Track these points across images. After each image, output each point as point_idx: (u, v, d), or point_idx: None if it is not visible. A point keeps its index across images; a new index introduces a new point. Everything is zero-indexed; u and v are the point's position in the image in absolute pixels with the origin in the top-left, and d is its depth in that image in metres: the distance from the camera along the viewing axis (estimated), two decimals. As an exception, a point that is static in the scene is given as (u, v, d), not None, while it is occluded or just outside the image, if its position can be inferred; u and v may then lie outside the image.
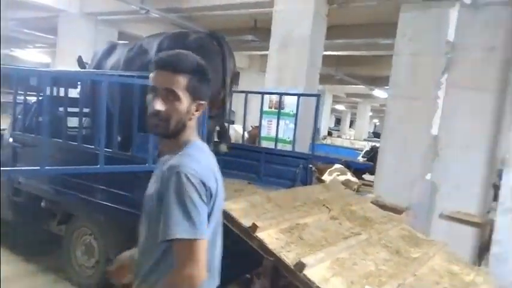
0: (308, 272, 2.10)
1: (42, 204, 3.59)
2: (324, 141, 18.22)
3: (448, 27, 4.56)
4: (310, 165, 3.91)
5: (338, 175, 10.13)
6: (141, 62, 3.15)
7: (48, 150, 2.64)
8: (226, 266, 1.48)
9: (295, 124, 4.17)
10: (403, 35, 4.84)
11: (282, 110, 5.34)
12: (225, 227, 1.51)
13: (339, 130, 27.91)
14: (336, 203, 3.29)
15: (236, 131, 9.13)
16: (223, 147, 3.16)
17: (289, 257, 2.17)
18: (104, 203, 3.05)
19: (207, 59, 2.89)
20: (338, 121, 40.07)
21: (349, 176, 9.46)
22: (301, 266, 2.10)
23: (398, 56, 4.91)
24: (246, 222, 2.34)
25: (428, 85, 4.66)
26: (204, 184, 1.23)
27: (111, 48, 3.58)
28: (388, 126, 5.05)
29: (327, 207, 3.08)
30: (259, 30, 7.68)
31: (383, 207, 5.06)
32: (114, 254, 3.12)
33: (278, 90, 4.95)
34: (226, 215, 2.44)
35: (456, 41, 4.51)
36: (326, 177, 10.12)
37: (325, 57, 10.81)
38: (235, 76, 3.17)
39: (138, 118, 2.72)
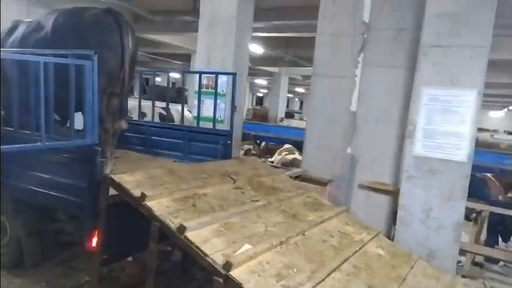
0: (189, 234, 2.28)
1: None
2: (281, 123, 18.59)
3: (363, 9, 4.81)
4: (229, 141, 4.08)
5: (286, 154, 10.47)
6: (35, 38, 3.16)
7: None
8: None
9: (215, 102, 4.31)
10: (323, 16, 5.06)
11: (210, 90, 5.48)
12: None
13: (301, 113, 28.46)
14: (244, 175, 3.49)
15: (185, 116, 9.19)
16: (124, 124, 3.25)
17: (174, 222, 2.34)
18: (14, 183, 3.09)
19: (103, 35, 2.98)
20: (302, 104, 40.75)
21: (296, 155, 9.80)
22: (182, 229, 2.28)
23: (320, 36, 5.13)
24: (137, 193, 2.48)
25: (348, 64, 4.92)
26: None
27: (14, 27, 3.54)
28: (312, 105, 5.30)
29: (232, 177, 3.27)
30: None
31: (309, 180, 5.38)
32: (26, 233, 3.22)
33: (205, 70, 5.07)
34: (121, 188, 2.58)
35: (370, 22, 4.77)
36: (276, 157, 10.44)
37: (274, 39, 11.03)
38: (135, 55, 3.22)
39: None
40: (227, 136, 4.10)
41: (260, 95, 39.91)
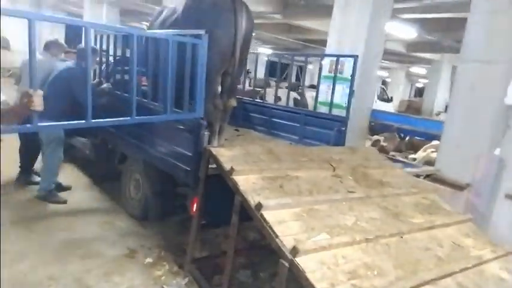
0: (265, 213, 2.27)
1: (109, 146, 4.41)
2: (437, 117, 16.62)
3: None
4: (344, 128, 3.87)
5: (432, 152, 9.37)
6: (170, 21, 3.53)
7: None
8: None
9: (333, 87, 4.12)
10: (478, -9, 4.25)
11: (339, 75, 5.26)
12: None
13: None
14: (349, 164, 3.27)
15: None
16: (233, 102, 3.38)
17: (254, 199, 2.36)
18: (145, 147, 3.61)
19: (218, 15, 3.13)
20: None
21: (444, 154, 8.68)
22: (259, 206, 2.28)
23: (473, 14, 4.34)
24: (228, 166, 2.58)
25: (504, 47, 4.05)
26: None
27: (160, 12, 4.04)
28: (455, 95, 4.57)
29: (332, 164, 3.10)
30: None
31: (441, 181, 4.72)
32: (152, 192, 3.72)
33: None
34: (216, 160, 2.73)
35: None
36: (419, 153, 9.46)
37: (431, 20, 9.81)
38: (249, 34, 3.29)
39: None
40: (342, 122, 3.89)
41: (420, 85, 36.44)
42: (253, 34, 3.51)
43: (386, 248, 2.36)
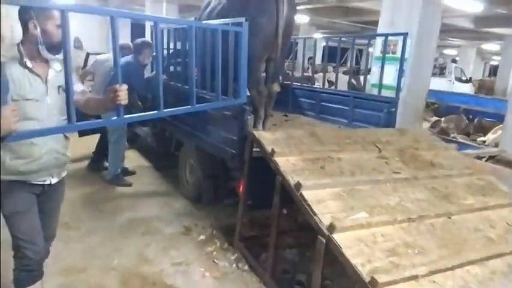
0: (305, 192, 2.34)
1: (166, 133, 4.72)
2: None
3: None
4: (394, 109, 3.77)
5: (503, 133, 8.69)
6: (217, 10, 3.66)
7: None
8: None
9: (382, 67, 4.01)
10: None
11: (393, 55, 5.09)
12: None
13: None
14: (397, 145, 3.20)
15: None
16: (276, 87, 3.43)
17: (294, 179, 2.44)
18: (197, 134, 3.83)
19: (260, 3, 3.20)
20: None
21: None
22: (298, 186, 2.35)
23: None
24: (269, 148, 2.68)
25: None
26: None
27: (208, 2, 4.19)
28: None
29: (377, 146, 3.06)
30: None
31: (506, 163, 4.43)
32: (204, 175, 3.93)
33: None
34: (259, 143, 2.84)
35: None
36: (489, 136, 8.83)
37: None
38: (290, 20, 3.31)
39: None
40: (391, 103, 3.79)
41: (495, 63, 33.35)
42: (295, 20, 3.53)
43: (430, 228, 2.32)
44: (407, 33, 3.69)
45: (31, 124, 1.90)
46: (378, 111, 3.92)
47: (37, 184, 2.07)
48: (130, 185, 4.54)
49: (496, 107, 10.65)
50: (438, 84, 13.47)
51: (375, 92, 4.52)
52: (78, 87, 2.14)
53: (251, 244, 3.18)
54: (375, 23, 14.66)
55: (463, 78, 15.40)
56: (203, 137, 3.68)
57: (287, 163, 2.61)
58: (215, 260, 3.04)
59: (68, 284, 2.65)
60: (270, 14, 3.14)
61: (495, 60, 31.18)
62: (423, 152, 3.22)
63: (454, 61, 20.46)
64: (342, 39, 4.55)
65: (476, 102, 11.12)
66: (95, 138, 5.01)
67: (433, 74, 14.49)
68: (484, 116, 10.25)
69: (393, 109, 3.79)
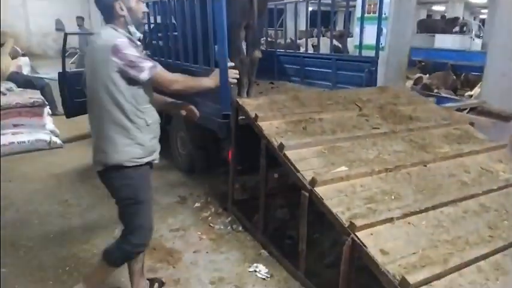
0: (288, 152, 2.48)
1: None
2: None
3: None
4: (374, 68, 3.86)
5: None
6: None
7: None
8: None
9: (361, 27, 4.06)
10: None
11: (373, 15, 5.12)
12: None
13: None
14: (377, 103, 3.32)
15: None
16: (258, 53, 3.49)
17: (278, 141, 2.57)
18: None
19: None
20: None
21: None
22: (281, 147, 2.49)
23: None
24: (253, 114, 2.79)
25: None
26: None
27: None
28: (498, 18, 4.29)
29: (357, 105, 3.18)
30: None
31: (487, 113, 4.58)
32: (196, 146, 4.05)
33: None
34: (243, 110, 2.95)
35: None
36: (476, 90, 8.95)
37: None
38: None
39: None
40: (372, 63, 3.89)
41: (484, 17, 32.97)
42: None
43: (407, 176, 2.48)
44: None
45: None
46: (360, 72, 4.02)
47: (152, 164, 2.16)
48: None
49: (482, 60, 10.69)
50: (459, 42, 13.60)
51: (358, 53, 4.60)
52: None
53: (244, 207, 3.35)
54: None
55: (481, 34, 15.43)
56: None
57: (270, 126, 2.73)
58: (211, 224, 3.21)
59: (71, 254, 2.81)
60: None
61: (484, 14, 30.82)
62: (402, 107, 3.35)
63: (474, 18, 20.23)
64: (322, 1, 4.56)
65: (463, 57, 11.16)
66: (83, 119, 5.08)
67: (454, 32, 14.48)
68: (471, 70, 10.31)
69: (373, 68, 3.89)
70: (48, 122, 5.28)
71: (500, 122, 4.17)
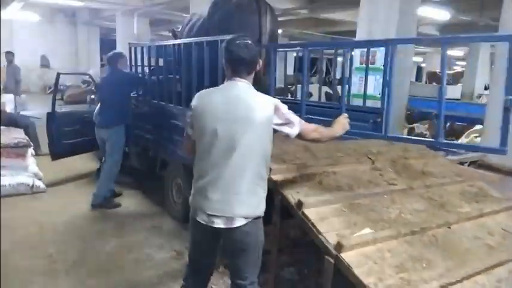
0: (307, 211, 2.29)
1: (150, 153, 4.58)
2: (479, 100, 15.85)
3: None
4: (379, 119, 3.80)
5: (476, 137, 8.98)
6: (197, 26, 3.62)
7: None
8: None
9: (365, 77, 4.05)
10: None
11: (372, 65, 5.17)
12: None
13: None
14: (388, 156, 3.22)
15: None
16: None
17: (294, 197, 2.39)
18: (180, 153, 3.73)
19: (243, 17, 3.18)
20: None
21: (488, 137, 8.28)
22: (300, 204, 2.30)
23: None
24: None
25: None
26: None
27: (189, 20, 4.16)
28: (496, 75, 4.37)
29: (370, 158, 3.07)
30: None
31: (488, 167, 4.54)
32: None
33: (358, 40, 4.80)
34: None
35: None
36: (463, 139, 9.09)
37: (462, 1, 9.36)
38: (273, 35, 3.30)
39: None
40: (377, 114, 3.83)
41: (459, 69, 34.73)
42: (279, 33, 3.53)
43: (433, 239, 2.31)
44: (388, 43, 3.74)
45: None
46: (363, 122, 3.94)
47: None
48: (119, 205, 4.38)
49: (466, 110, 11.03)
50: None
51: (357, 102, 4.58)
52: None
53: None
54: (345, 33, 15.08)
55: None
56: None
57: (285, 180, 2.56)
58: (212, 286, 2.92)
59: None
60: (253, 29, 3.11)
61: (459, 66, 32.25)
62: (413, 161, 3.26)
63: (419, 69, 21.31)
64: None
65: (447, 106, 11.44)
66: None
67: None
68: (454, 119, 10.57)
69: (379, 119, 3.82)
70: (31, 163, 4.95)
71: (504, 177, 4.13)
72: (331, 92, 7.83)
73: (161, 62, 4.25)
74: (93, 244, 3.50)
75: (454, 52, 22.68)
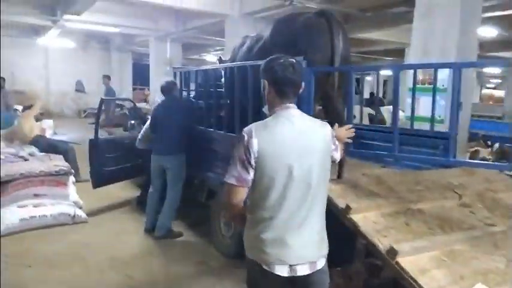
0: (402, 260, 1.94)
1: (196, 181, 4.33)
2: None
3: None
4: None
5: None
6: (257, 47, 3.38)
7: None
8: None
9: (433, 100, 3.69)
10: None
11: (429, 86, 4.81)
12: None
13: None
14: (473, 189, 2.83)
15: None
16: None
17: (383, 243, 2.04)
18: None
19: (312, 37, 2.92)
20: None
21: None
22: (393, 252, 1.96)
23: None
24: (341, 203, 2.29)
25: None
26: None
27: (243, 42, 3.95)
28: None
29: (457, 192, 2.69)
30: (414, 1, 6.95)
31: None
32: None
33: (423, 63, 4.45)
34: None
35: None
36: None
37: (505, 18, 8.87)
38: (347, 56, 3.03)
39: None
40: (448, 139, 3.44)
41: (491, 86, 33.46)
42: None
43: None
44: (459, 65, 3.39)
45: None
46: (432, 148, 3.57)
47: None
48: (182, 234, 4.19)
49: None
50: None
51: (418, 126, 4.20)
52: None
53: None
54: (377, 52, 14.67)
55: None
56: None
57: (366, 221, 2.23)
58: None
59: None
60: (324, 49, 2.85)
61: (492, 83, 31.07)
62: (502, 194, 2.86)
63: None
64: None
65: (494, 127, 10.85)
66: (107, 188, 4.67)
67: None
68: (503, 141, 9.93)
69: (451, 145, 3.44)
70: (72, 191, 4.79)
71: None
72: (373, 113, 7.44)
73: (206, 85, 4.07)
74: (140, 284, 3.23)
75: (489, 69, 21.81)
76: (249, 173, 1.65)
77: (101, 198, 5.11)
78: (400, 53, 12.75)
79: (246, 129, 1.69)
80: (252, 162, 1.64)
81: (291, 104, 1.75)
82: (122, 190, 5.52)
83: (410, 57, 5.04)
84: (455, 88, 3.34)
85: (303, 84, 1.81)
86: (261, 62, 2.87)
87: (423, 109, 4.60)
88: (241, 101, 3.40)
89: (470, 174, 3.13)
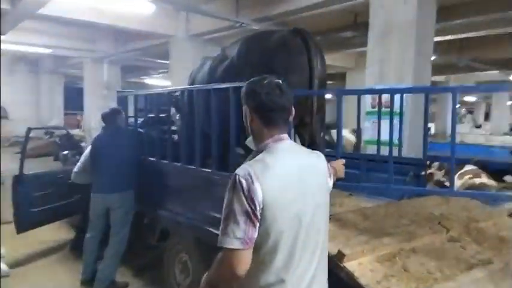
0: (412, 318, 1.63)
1: (145, 220, 3.77)
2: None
3: None
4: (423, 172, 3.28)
5: (470, 178, 8.70)
6: (222, 68, 3.05)
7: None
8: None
9: (390, 124, 3.56)
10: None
11: (386, 109, 4.76)
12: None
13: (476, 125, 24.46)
14: (457, 219, 2.65)
15: (345, 137, 8.51)
16: None
17: (387, 298, 1.72)
18: (194, 223, 2.99)
19: (292, 58, 2.65)
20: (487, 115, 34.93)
21: (484, 179, 7.95)
22: (402, 309, 1.64)
23: None
24: (332, 249, 1.95)
25: None
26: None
27: (202, 63, 3.61)
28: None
29: (443, 226, 2.48)
30: (361, 26, 7.08)
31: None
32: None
33: (382, 87, 4.38)
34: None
35: None
36: (456, 181, 8.78)
37: (445, 42, 9.48)
38: (324, 77, 2.81)
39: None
40: (419, 166, 3.31)
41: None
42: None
43: None
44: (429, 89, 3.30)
45: None
46: (401, 175, 3.40)
47: None
48: (127, 285, 3.58)
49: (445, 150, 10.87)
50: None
51: (370, 149, 4.09)
52: None
53: None
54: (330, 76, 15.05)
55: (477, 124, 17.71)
56: (209, 226, 2.81)
57: (363, 269, 1.90)
58: None
59: None
60: (302, 70, 2.58)
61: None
62: (484, 223, 2.71)
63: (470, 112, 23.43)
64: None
65: (431, 147, 11.35)
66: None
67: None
68: (443, 160, 10.34)
69: (422, 172, 3.30)
70: (-10, 239, 3.98)
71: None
72: (327, 138, 7.36)
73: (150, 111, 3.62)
74: None
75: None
76: (256, 229, 1.27)
77: (27, 243, 4.35)
78: (342, 76, 13.10)
79: (240, 171, 1.30)
80: (258, 214, 1.27)
81: (283, 135, 1.43)
82: (54, 231, 4.75)
83: (367, 80, 4.98)
84: (454, 111, 3.22)
85: (293, 110, 1.48)
86: (228, 85, 2.55)
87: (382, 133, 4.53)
88: (203, 128, 3.00)
89: (446, 202, 2.98)
